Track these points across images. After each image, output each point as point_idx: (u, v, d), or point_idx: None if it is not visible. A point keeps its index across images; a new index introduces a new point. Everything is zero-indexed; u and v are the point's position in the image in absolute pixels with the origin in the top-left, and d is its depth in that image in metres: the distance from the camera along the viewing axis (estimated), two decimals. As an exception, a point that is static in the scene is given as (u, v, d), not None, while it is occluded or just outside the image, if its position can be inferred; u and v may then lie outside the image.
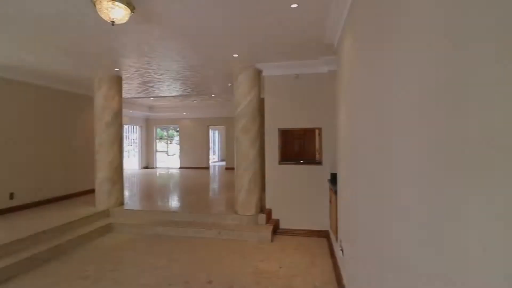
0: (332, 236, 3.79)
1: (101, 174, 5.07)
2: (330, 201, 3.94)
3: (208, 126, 12.16)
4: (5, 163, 4.82)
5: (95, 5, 2.31)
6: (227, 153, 12.11)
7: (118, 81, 5.25)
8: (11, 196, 4.90)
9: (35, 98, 5.39)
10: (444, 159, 0.74)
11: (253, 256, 3.59)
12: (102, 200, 5.06)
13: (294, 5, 2.62)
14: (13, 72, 4.83)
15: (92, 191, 6.48)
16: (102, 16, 2.36)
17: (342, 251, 2.77)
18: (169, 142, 16.78)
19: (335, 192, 3.29)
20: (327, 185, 4.31)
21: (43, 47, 3.70)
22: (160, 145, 14.60)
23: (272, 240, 4.12)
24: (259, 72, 4.63)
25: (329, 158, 4.28)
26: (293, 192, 4.57)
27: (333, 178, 3.88)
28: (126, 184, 7.57)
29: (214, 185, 7.94)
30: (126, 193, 6.48)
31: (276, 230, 4.50)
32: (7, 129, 4.87)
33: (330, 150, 4.23)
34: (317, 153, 5.18)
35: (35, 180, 5.35)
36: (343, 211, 2.83)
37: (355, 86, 2.09)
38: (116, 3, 2.25)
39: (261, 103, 4.71)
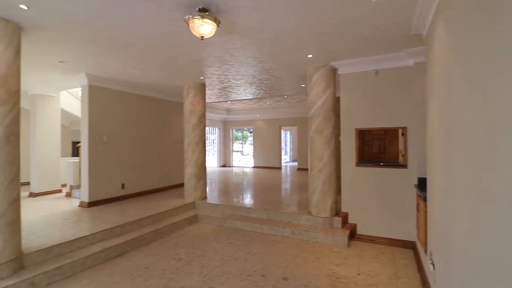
0: (420, 248, 3.40)
1: (189, 171, 5.75)
2: (418, 209, 3.54)
3: (280, 127, 12.38)
4: (118, 160, 5.95)
5: (188, 24, 2.66)
6: (299, 154, 12.09)
7: (202, 88, 5.86)
8: (123, 186, 6.02)
9: (138, 106, 6.50)
10: None
11: (328, 259, 3.52)
12: (189, 193, 5.74)
13: (375, -2, 2.47)
14: (123, 85, 5.95)
15: (181, 185, 7.45)
16: (193, 33, 2.70)
17: (433, 265, 2.47)
18: (243, 142, 17.74)
19: (424, 199, 2.94)
20: (413, 190, 3.89)
21: (145, 63, 4.44)
22: (235, 145, 15.57)
23: (348, 245, 3.95)
24: (334, 71, 4.50)
25: (416, 160, 3.84)
26: (372, 197, 4.27)
27: (421, 183, 3.48)
28: (207, 180, 8.37)
29: (286, 185, 8.03)
30: (208, 188, 7.17)
31: (353, 235, 4.28)
32: (120, 131, 6.01)
33: (417, 151, 3.79)
34: (400, 155, 4.72)
35: (139, 174, 6.45)
36: (434, 221, 2.52)
37: (453, 78, 1.84)
38: (205, 20, 2.55)
39: (336, 102, 4.56)
